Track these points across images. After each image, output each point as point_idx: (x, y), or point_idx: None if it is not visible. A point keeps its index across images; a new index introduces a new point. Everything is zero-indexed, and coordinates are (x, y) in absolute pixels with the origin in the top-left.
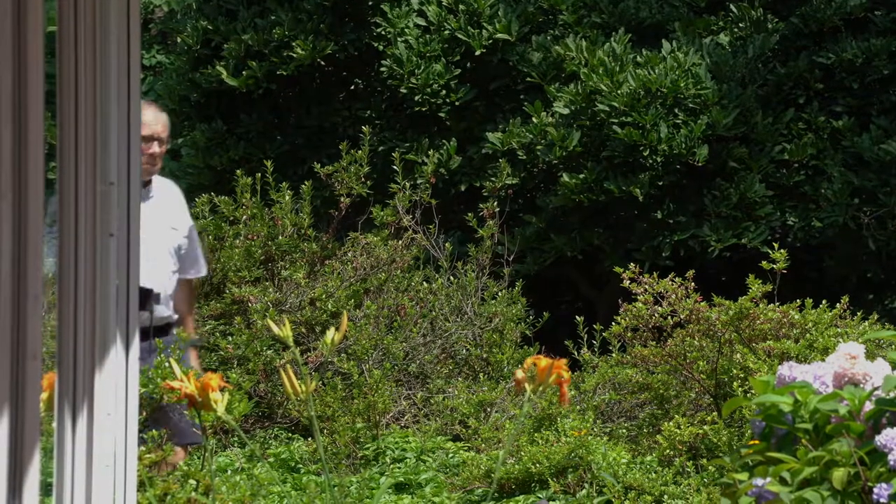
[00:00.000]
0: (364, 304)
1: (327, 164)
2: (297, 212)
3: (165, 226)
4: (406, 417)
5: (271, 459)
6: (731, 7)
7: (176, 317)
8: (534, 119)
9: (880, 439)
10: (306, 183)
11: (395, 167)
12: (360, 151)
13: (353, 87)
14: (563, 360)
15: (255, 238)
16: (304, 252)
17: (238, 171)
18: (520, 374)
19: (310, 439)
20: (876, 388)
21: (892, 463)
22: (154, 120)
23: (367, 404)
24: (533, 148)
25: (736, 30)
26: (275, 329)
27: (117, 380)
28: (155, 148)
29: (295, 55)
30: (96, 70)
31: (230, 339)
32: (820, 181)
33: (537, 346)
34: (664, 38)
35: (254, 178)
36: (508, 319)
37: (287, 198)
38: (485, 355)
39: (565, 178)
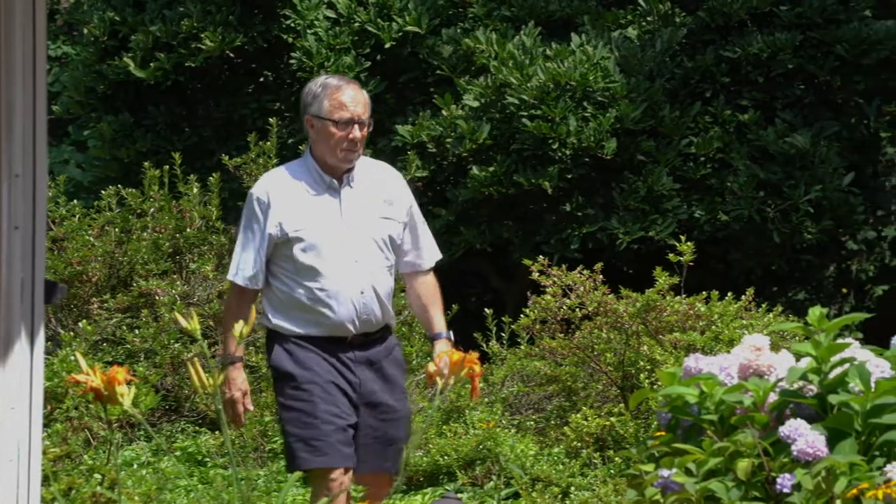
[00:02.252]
0: None
1: (236, 156)
2: (206, 204)
3: (372, 216)
4: None
5: (178, 453)
6: (640, 1)
7: (393, 320)
8: (444, 112)
9: (784, 430)
10: (214, 175)
11: None
12: (268, 143)
13: (262, 80)
14: (475, 354)
15: (162, 231)
16: (213, 244)
17: (146, 164)
18: (432, 367)
19: (217, 433)
20: (780, 380)
21: (795, 453)
22: (352, 101)
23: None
24: (443, 141)
25: (644, 24)
26: (182, 322)
27: (21, 374)
28: (355, 132)
29: (203, 47)
30: (0, 61)
31: (137, 332)
32: (726, 174)
33: None
34: (573, 31)
35: (161, 171)
36: None
37: (195, 190)
38: None
39: (475, 170)
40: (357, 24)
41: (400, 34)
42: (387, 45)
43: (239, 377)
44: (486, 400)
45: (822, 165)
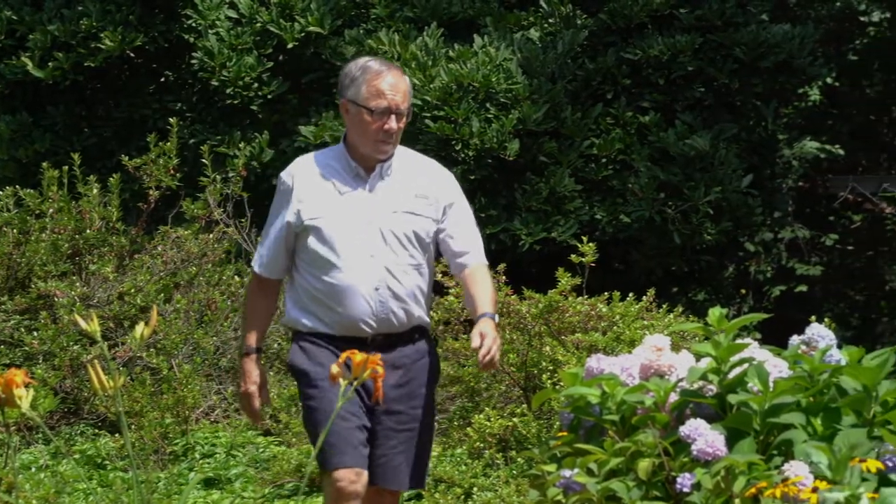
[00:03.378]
0: (174, 299)
1: (136, 156)
2: (106, 205)
3: (397, 209)
4: (216, 412)
5: (77, 456)
6: (541, 3)
7: (427, 323)
8: None
9: (684, 430)
10: (114, 176)
11: (204, 160)
12: (169, 144)
13: (163, 80)
14: (378, 355)
15: (61, 232)
16: (113, 246)
17: (44, 164)
18: (335, 368)
19: (117, 435)
20: (681, 380)
21: (695, 453)
22: (392, 88)
23: (177, 399)
24: None
25: (546, 25)
26: (82, 324)
27: None
28: (392, 123)
29: (103, 46)
30: None
31: (35, 334)
32: (627, 176)
33: None
34: (476, 32)
35: (60, 171)
36: None
37: (95, 191)
38: None
39: None
40: (259, 25)
41: (302, 34)
42: (289, 46)
43: (254, 370)
44: None
45: (721, 167)
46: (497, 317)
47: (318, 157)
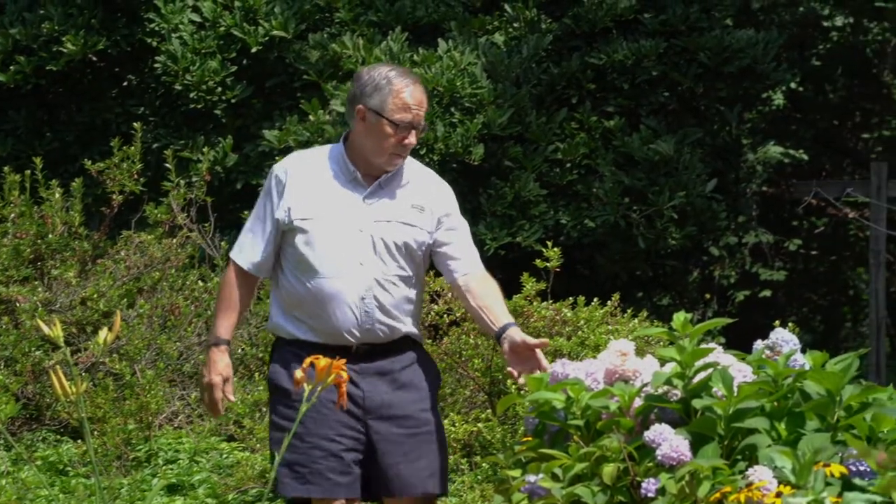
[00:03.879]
0: (137, 304)
1: (99, 161)
2: (68, 210)
3: (391, 219)
4: (180, 418)
5: (39, 462)
6: (506, 7)
7: (418, 335)
8: (311, 117)
9: (649, 435)
10: (77, 180)
11: (168, 165)
12: (132, 148)
13: (126, 84)
14: (342, 361)
15: (23, 236)
16: (76, 251)
17: (6, 168)
18: (299, 374)
19: (80, 441)
20: (645, 385)
21: (659, 458)
22: (417, 103)
23: (140, 405)
24: (310, 146)
25: (511, 30)
26: (45, 329)
27: None
28: (411, 138)
29: (65, 50)
30: None
31: None
32: (592, 180)
33: None
34: (441, 37)
35: (22, 176)
36: None
37: (57, 195)
38: (261, 354)
39: None
40: (223, 29)
41: (266, 38)
42: (253, 50)
43: (221, 360)
44: None
45: (685, 172)
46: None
47: (315, 156)
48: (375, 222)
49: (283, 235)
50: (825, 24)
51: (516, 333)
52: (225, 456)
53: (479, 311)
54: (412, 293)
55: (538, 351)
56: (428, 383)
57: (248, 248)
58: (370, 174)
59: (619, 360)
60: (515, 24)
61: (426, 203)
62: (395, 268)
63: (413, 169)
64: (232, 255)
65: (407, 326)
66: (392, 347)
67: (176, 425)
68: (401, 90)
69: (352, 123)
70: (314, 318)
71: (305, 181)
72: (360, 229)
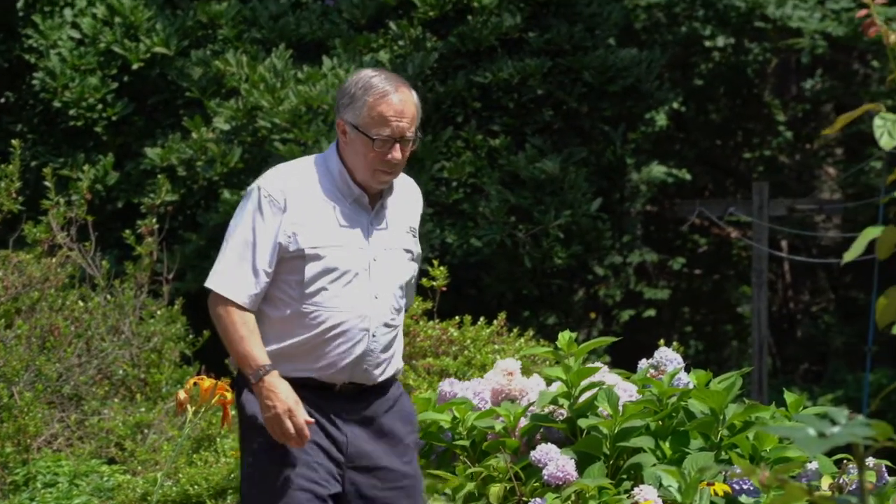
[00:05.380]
0: (15, 324)
1: None
2: None
3: (397, 246)
4: (59, 440)
5: None
6: (391, 25)
7: (400, 368)
8: (194, 135)
9: (535, 455)
10: None
11: (47, 183)
12: (10, 166)
13: (3, 100)
14: (227, 381)
15: None
16: None
17: None
18: (182, 394)
19: None
20: (531, 404)
21: (546, 477)
22: (398, 114)
23: (18, 427)
24: (193, 164)
25: (396, 48)
26: None
27: None
28: (396, 153)
29: None
30: None
31: None
32: (478, 199)
33: (197, 365)
34: (325, 54)
35: None
36: (168, 338)
37: None
38: (143, 375)
39: (226, 194)
40: (103, 45)
41: (148, 55)
42: (134, 67)
43: (280, 384)
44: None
45: (571, 191)
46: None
47: (306, 170)
48: (386, 250)
49: (280, 263)
50: (707, 44)
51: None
52: (106, 479)
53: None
54: (401, 327)
55: None
56: (409, 431)
57: (242, 281)
58: (370, 194)
59: (506, 380)
60: (400, 42)
61: (415, 223)
62: (399, 300)
63: (401, 182)
64: (219, 289)
65: (397, 363)
66: (377, 389)
67: (55, 448)
68: (378, 100)
69: (338, 137)
70: (310, 354)
71: (309, 202)
72: (374, 258)
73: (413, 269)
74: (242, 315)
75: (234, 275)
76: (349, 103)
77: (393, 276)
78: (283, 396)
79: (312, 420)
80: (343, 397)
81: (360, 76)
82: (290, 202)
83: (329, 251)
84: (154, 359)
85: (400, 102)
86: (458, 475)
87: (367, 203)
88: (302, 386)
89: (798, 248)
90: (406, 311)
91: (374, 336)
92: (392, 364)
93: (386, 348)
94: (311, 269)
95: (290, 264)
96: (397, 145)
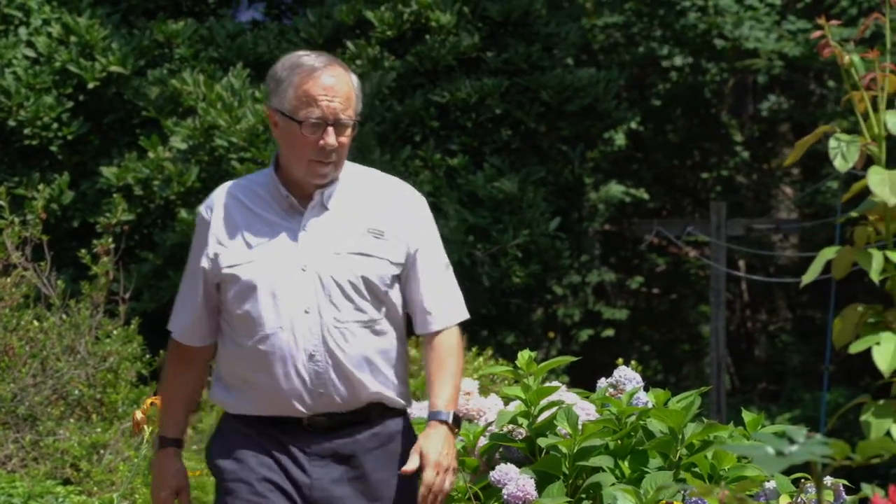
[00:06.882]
0: None
1: None
2: None
3: (340, 250)
4: (13, 461)
5: None
6: (349, 44)
7: (391, 399)
8: (150, 154)
9: (494, 475)
10: None
11: (2, 202)
12: None
13: None
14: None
15: None
16: None
17: None
18: (139, 414)
19: None
20: (490, 423)
21: (505, 497)
22: (327, 92)
23: None
24: (150, 183)
25: (353, 67)
26: None
27: None
28: (329, 138)
29: None
30: None
31: None
32: (436, 218)
33: (154, 384)
34: None
35: None
36: (124, 358)
37: None
38: (99, 395)
39: (183, 213)
40: (58, 64)
41: (104, 74)
42: (90, 86)
43: (169, 467)
44: (195, 447)
45: (529, 210)
46: (455, 416)
47: (243, 185)
48: (321, 256)
49: (217, 289)
50: (664, 63)
51: (429, 438)
52: (61, 500)
53: (427, 382)
54: (381, 343)
55: (416, 456)
56: (399, 480)
57: (178, 311)
58: (305, 195)
59: (464, 400)
60: (358, 62)
61: (388, 225)
62: (352, 312)
63: (366, 180)
64: (169, 327)
65: (374, 387)
66: (355, 418)
67: (10, 469)
68: (304, 78)
69: (274, 137)
70: (255, 386)
71: (232, 218)
72: (303, 267)
73: (373, 269)
74: (178, 353)
75: (176, 306)
76: (275, 88)
77: (329, 285)
78: (164, 484)
79: None
80: (313, 432)
81: (289, 56)
82: (214, 219)
83: (244, 269)
84: (110, 379)
85: (330, 79)
86: None
87: (298, 206)
88: (270, 424)
89: (756, 267)
90: (447, 323)
91: (313, 357)
92: (364, 388)
93: (341, 369)
94: (232, 293)
95: (222, 290)
96: (330, 129)
